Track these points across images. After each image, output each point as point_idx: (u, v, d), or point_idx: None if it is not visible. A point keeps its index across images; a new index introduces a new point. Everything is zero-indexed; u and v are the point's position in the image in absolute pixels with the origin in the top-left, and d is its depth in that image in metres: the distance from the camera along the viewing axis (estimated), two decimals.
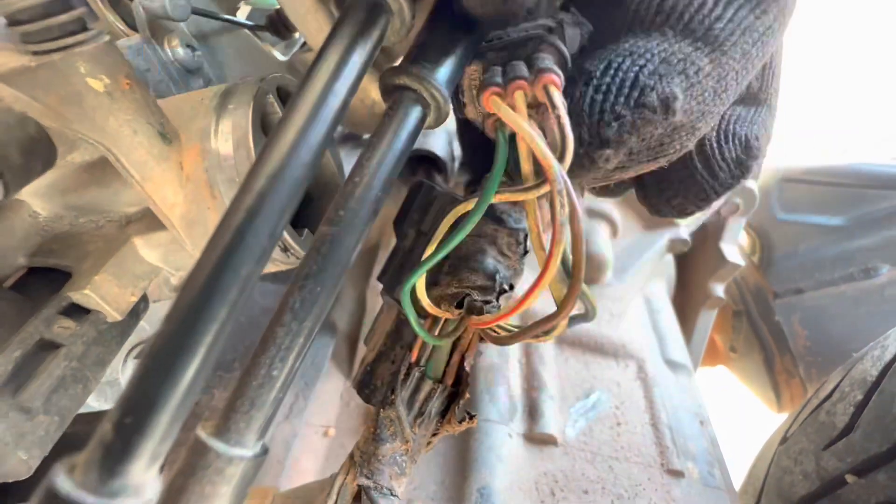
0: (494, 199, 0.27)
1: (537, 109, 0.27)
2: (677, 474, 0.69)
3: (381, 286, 0.41)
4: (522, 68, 0.27)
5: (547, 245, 0.26)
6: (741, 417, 1.66)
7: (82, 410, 0.45)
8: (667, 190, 0.38)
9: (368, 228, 0.29)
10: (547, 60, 0.27)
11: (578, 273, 0.25)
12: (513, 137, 0.27)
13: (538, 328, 0.28)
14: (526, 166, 0.27)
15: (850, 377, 0.80)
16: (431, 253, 0.30)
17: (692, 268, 1.16)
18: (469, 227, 0.29)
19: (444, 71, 0.31)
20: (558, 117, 0.25)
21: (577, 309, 0.27)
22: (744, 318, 1.34)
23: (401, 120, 0.30)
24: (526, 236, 0.40)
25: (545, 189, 0.26)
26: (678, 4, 0.28)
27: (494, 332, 0.32)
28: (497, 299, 0.35)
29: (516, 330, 0.31)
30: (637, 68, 0.26)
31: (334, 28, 0.29)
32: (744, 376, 1.41)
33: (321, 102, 0.27)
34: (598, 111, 0.26)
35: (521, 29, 0.30)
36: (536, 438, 0.70)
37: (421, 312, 0.35)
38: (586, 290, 0.28)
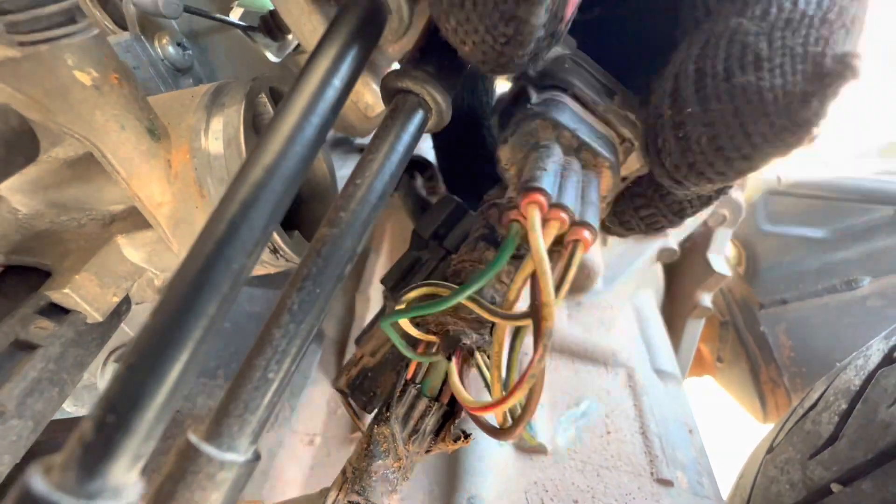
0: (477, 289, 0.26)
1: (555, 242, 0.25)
2: (667, 483, 0.69)
3: (383, 290, 0.40)
4: (571, 197, 0.25)
5: (504, 370, 0.27)
6: (728, 427, 1.67)
7: (58, 416, 0.43)
8: (637, 198, 0.32)
9: (369, 231, 0.28)
10: (591, 215, 0.25)
11: (527, 412, 0.25)
12: (524, 238, 0.25)
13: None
14: (515, 289, 0.25)
15: (834, 387, 0.81)
16: (427, 304, 0.29)
17: (680, 278, 1.17)
18: (455, 300, 0.28)
19: (446, 76, 0.31)
20: (567, 269, 0.24)
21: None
22: (730, 329, 1.36)
23: (402, 123, 0.29)
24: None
25: (524, 323, 0.24)
26: None
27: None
28: (490, 332, 0.34)
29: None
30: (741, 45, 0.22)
31: (331, 25, 0.29)
32: (730, 386, 1.42)
33: (316, 99, 0.26)
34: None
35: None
36: (526, 447, 0.69)
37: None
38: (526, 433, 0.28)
